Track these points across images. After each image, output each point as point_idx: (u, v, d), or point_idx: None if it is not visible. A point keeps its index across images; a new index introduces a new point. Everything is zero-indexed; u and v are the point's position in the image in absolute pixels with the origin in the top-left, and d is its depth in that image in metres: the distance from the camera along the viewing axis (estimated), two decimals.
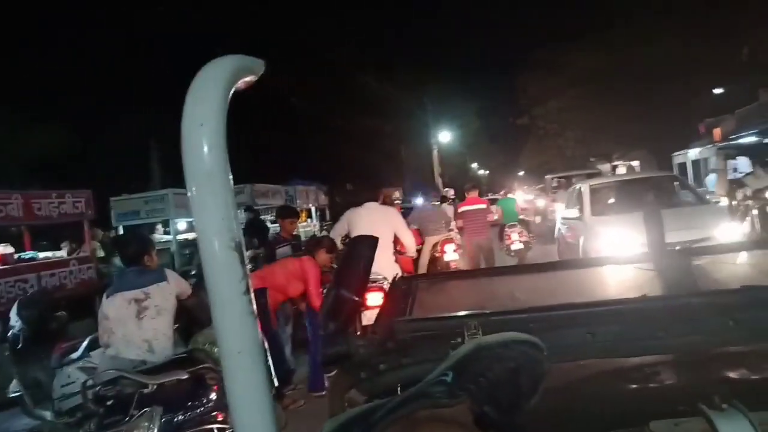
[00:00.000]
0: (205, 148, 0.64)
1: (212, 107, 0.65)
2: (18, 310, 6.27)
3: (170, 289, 3.77)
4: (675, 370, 1.20)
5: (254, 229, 10.33)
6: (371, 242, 1.40)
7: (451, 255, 8.73)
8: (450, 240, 9.02)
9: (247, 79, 0.70)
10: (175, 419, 3.17)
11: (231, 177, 0.66)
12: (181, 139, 0.65)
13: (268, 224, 16.29)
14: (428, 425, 0.81)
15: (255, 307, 0.66)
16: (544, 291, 2.03)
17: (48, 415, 4.93)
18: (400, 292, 1.76)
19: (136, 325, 3.61)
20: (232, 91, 0.67)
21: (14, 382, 5.12)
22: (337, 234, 6.07)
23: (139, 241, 4.32)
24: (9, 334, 6.13)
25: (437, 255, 8.93)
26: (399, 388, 1.16)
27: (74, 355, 5.04)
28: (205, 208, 0.65)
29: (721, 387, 0.83)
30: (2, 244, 9.81)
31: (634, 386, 1.15)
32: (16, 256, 9.71)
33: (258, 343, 0.66)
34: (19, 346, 5.93)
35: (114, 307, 3.66)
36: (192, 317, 4.13)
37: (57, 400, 4.98)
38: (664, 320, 1.15)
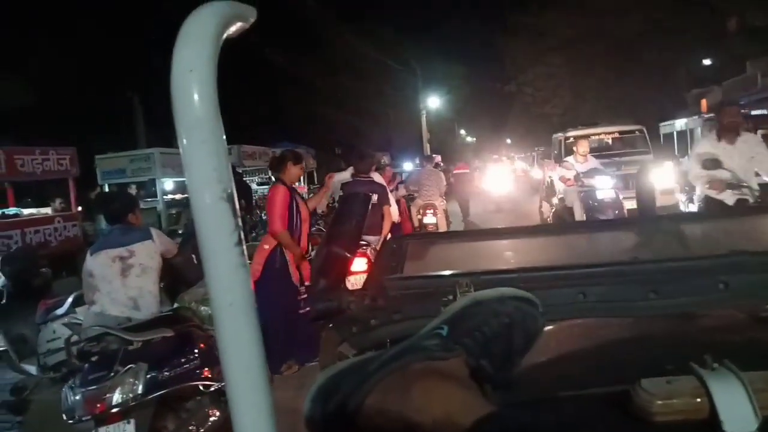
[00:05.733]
0: (196, 96, 0.61)
1: (203, 53, 0.62)
2: (1, 266, 6.25)
3: (155, 248, 3.77)
4: (666, 330, 1.21)
5: (239, 191, 10.28)
6: (364, 199, 1.41)
7: (429, 218, 10.02)
8: (431, 206, 10.06)
9: (239, 26, 0.67)
10: (160, 376, 3.20)
11: (222, 126, 0.64)
12: (170, 86, 0.62)
13: (254, 186, 16.21)
14: (423, 378, 0.79)
15: (246, 259, 0.66)
16: (536, 252, 2.03)
17: (34, 369, 4.98)
18: (391, 251, 1.76)
19: (121, 283, 3.62)
20: (223, 38, 0.65)
21: None
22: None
23: (122, 199, 4.29)
24: None
25: (420, 218, 9.95)
26: (389, 344, 1.17)
27: (59, 311, 5.05)
28: (195, 158, 0.62)
29: (712, 347, 0.83)
30: None
31: (626, 345, 1.16)
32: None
33: (250, 296, 0.64)
34: (3, 301, 5.94)
35: (98, 265, 3.65)
36: (178, 276, 4.14)
37: (42, 355, 5.01)
38: (655, 282, 1.16)
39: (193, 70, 0.62)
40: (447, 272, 1.36)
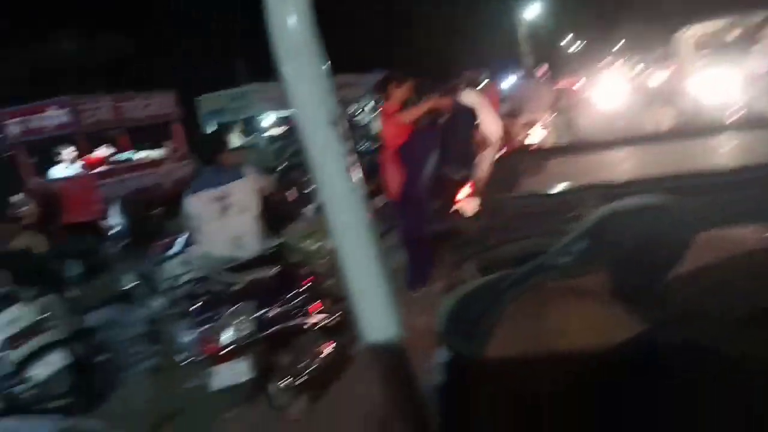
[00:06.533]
0: (294, 18, 0.62)
1: None
2: (121, 209, 6.59)
3: (250, 186, 3.69)
4: None
5: None
6: (468, 118, 1.35)
7: (533, 137, 8.84)
8: (534, 123, 8.97)
9: None
10: (266, 315, 3.17)
11: (319, 48, 0.64)
12: (266, 10, 0.63)
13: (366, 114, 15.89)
14: (559, 297, 0.77)
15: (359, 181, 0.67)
16: (667, 161, 1.80)
17: (156, 306, 5.25)
18: (506, 169, 1.68)
19: (221, 223, 3.59)
20: None
21: (125, 276, 5.47)
22: None
23: (214, 140, 4.25)
24: (113, 231, 6.50)
25: (522, 138, 8.73)
26: (512, 263, 1.09)
27: (172, 251, 5.24)
28: (296, 82, 0.63)
29: None
30: (103, 147, 10.19)
31: None
32: (113, 158, 10.09)
33: (364, 215, 0.66)
34: (126, 242, 6.29)
35: (196, 207, 3.64)
36: (278, 213, 4.08)
37: (162, 293, 5.27)
38: None
39: None
40: (569, 187, 1.31)
